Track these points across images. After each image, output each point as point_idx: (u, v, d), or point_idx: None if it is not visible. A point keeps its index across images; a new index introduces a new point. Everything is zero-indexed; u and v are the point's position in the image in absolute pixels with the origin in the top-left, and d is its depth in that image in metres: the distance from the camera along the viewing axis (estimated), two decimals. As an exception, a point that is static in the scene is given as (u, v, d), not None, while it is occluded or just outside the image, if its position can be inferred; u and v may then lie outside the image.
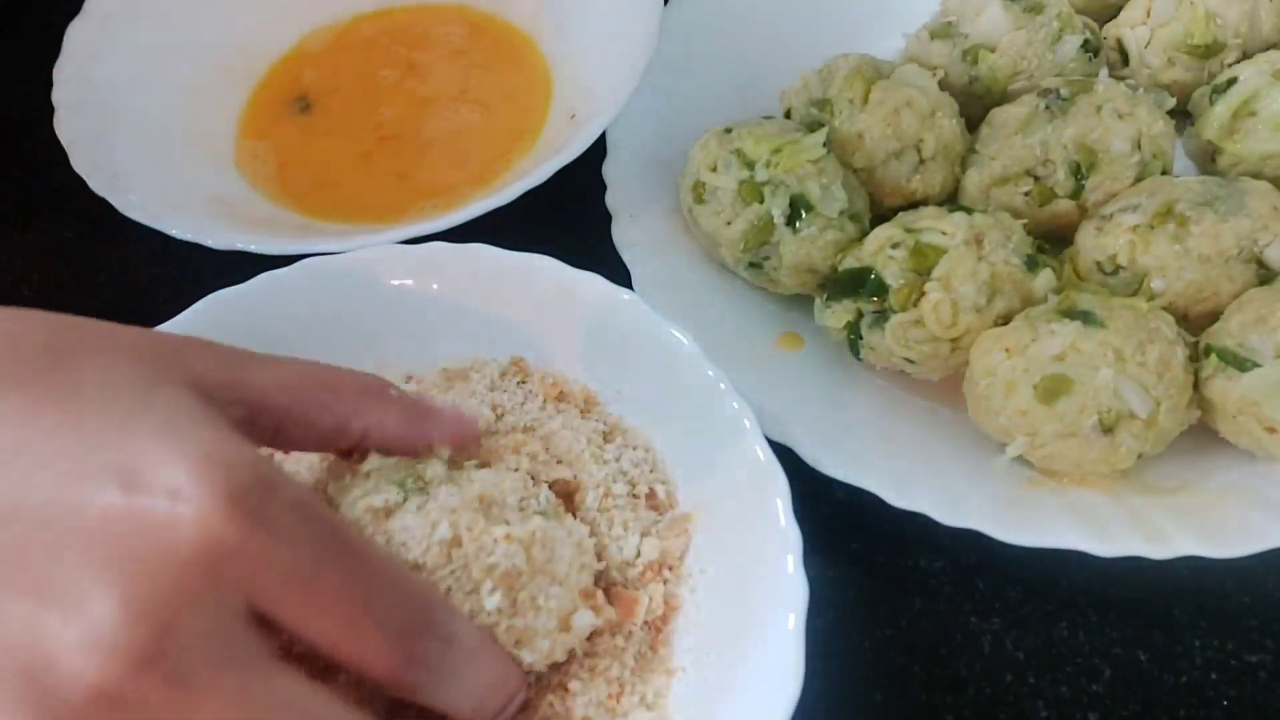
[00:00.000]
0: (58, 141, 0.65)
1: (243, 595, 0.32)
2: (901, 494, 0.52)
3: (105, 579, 0.30)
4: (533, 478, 0.48)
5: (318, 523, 0.34)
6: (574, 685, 0.46)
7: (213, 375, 0.37)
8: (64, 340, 0.36)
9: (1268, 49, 0.66)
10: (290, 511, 0.33)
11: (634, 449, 0.52)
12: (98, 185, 0.62)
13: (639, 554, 0.49)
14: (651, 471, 0.51)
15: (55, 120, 0.66)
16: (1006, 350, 0.52)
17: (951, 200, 0.64)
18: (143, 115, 0.70)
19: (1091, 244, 0.58)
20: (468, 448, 0.46)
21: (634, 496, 0.50)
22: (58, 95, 0.68)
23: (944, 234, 0.56)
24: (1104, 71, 0.68)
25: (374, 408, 0.42)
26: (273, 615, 0.33)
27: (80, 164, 0.64)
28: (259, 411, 0.38)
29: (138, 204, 0.62)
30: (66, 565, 0.30)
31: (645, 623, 0.48)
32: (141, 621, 0.30)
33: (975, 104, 0.65)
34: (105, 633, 0.29)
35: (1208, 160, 0.64)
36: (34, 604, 0.30)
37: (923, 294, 0.55)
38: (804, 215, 0.58)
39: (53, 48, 0.71)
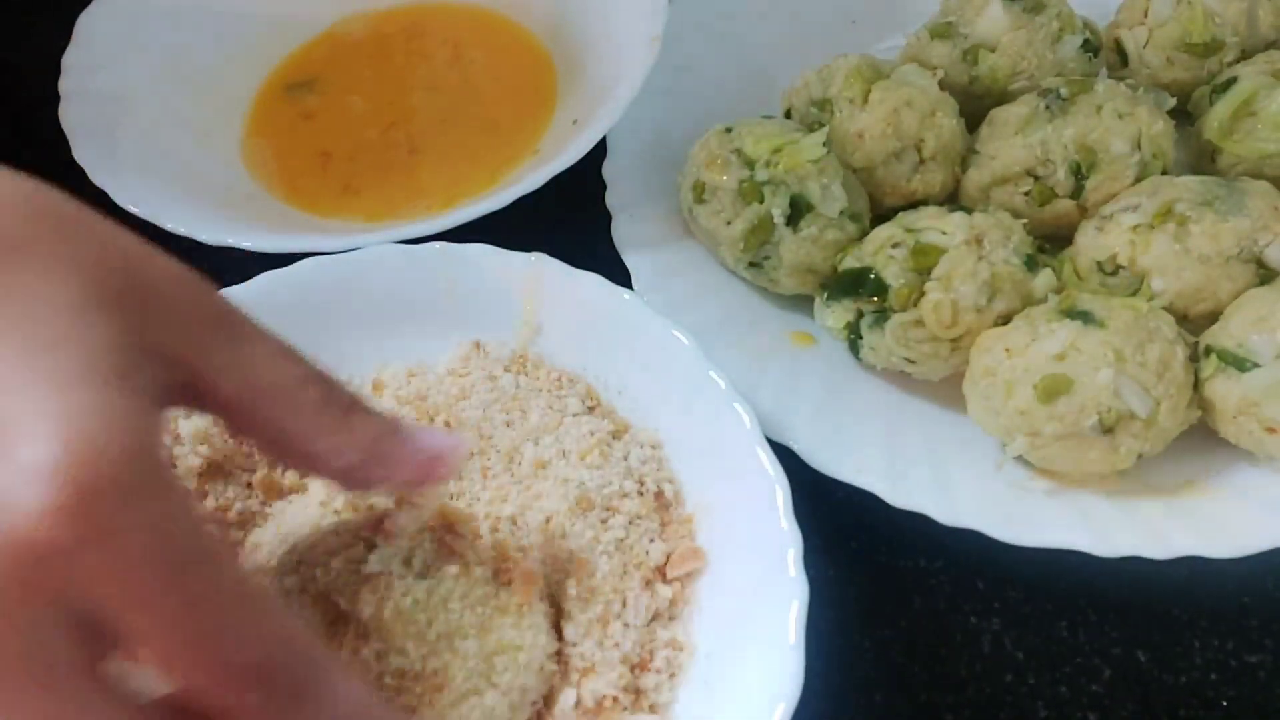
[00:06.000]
0: (55, 140, 0.65)
1: (67, 598, 0.29)
2: (901, 494, 0.52)
3: None
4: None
5: (173, 542, 0.30)
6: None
7: (171, 342, 0.33)
8: (28, 231, 0.32)
9: (1267, 48, 0.66)
10: (143, 525, 0.29)
11: (641, 447, 0.52)
12: (97, 176, 0.62)
13: (647, 554, 0.49)
14: (659, 470, 0.51)
15: (60, 109, 0.66)
16: (1006, 350, 0.52)
17: (951, 200, 0.64)
18: (149, 109, 0.70)
19: (1091, 244, 0.58)
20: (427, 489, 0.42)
21: (641, 495, 0.50)
22: (65, 84, 0.68)
23: (944, 234, 0.56)
24: (1103, 71, 0.69)
25: (333, 434, 0.37)
26: (103, 620, 0.30)
27: (82, 154, 0.64)
28: (207, 395, 0.35)
29: (135, 196, 0.62)
30: None
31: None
32: None
33: (975, 104, 0.65)
34: None
35: (1208, 160, 0.64)
36: None
37: (923, 294, 0.55)
38: (804, 215, 0.58)
39: (63, 37, 0.71)
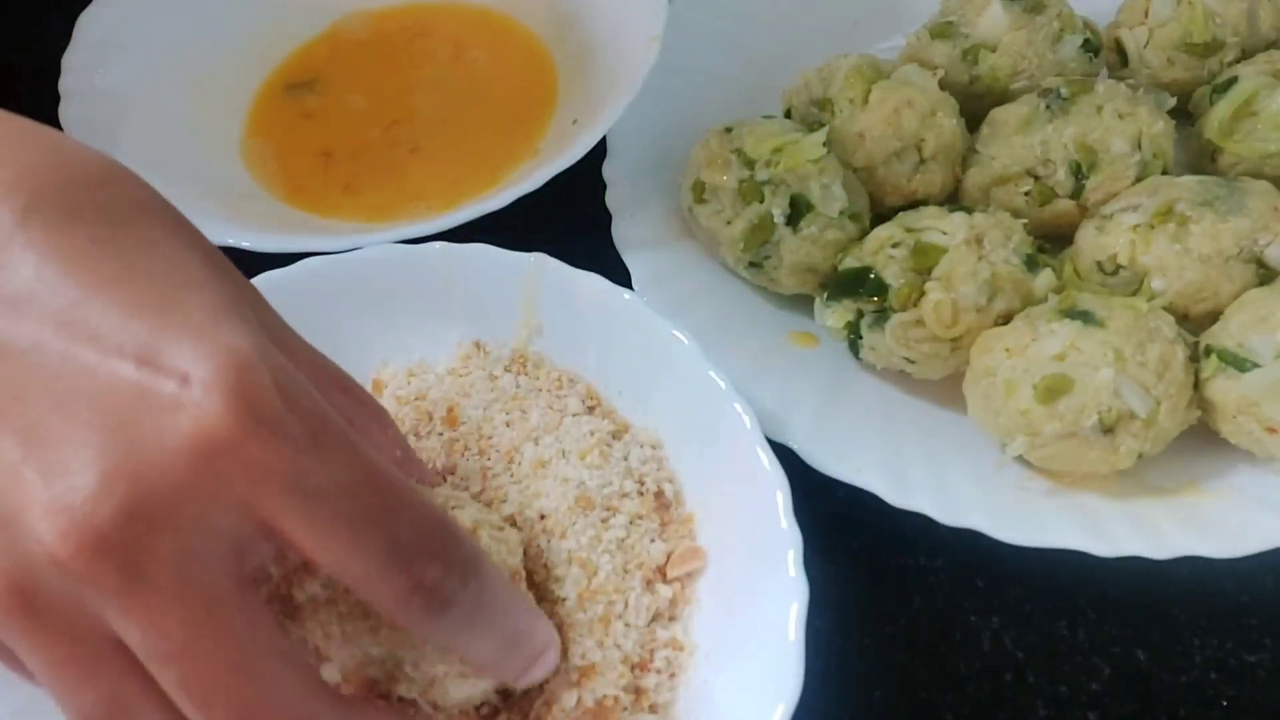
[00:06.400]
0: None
1: (237, 500, 0.30)
2: (901, 494, 0.52)
3: (94, 446, 0.29)
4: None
5: (332, 435, 0.32)
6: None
7: (275, 329, 0.37)
8: (151, 201, 0.35)
9: (1267, 48, 0.66)
10: (302, 420, 0.31)
11: (641, 447, 0.52)
12: None
13: (648, 554, 0.49)
14: (659, 470, 0.51)
15: (60, 109, 0.66)
16: (1006, 350, 0.52)
17: (951, 200, 0.64)
18: (149, 108, 0.70)
19: (1091, 244, 0.58)
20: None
21: (641, 495, 0.50)
22: (65, 84, 0.68)
23: (944, 234, 0.56)
24: (1104, 71, 0.69)
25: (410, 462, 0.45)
26: (273, 524, 0.31)
27: None
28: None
29: None
30: (63, 420, 0.29)
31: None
32: (115, 502, 0.29)
33: (975, 104, 0.65)
34: (76, 503, 0.29)
35: (1208, 160, 0.64)
36: (22, 449, 0.29)
37: (923, 294, 0.55)
38: (804, 215, 0.58)
39: (63, 37, 0.71)
